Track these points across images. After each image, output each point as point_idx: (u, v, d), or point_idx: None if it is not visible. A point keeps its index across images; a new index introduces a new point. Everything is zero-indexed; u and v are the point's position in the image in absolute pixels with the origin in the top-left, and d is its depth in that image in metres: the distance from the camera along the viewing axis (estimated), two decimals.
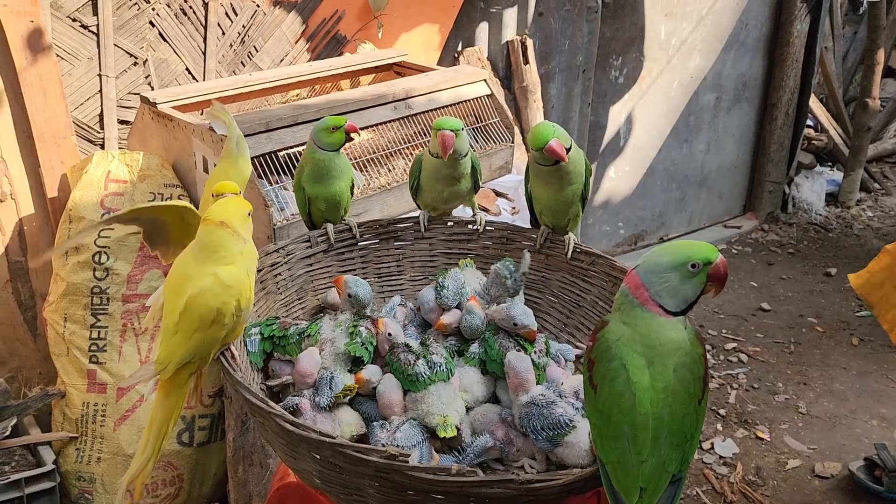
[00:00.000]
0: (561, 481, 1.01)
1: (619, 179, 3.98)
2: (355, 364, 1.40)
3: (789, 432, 2.90)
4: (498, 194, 2.60)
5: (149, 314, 1.27)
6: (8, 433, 1.99)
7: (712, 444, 2.83)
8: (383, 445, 1.20)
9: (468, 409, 1.40)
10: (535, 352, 1.43)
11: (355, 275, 1.69)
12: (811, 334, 3.55)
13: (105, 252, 2.10)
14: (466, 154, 1.65)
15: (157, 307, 1.24)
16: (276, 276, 1.57)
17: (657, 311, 1.04)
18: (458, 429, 1.30)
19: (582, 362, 1.12)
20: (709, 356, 3.36)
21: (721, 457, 2.77)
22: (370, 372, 1.38)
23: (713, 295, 1.07)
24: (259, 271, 1.52)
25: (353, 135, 1.59)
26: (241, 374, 1.17)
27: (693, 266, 1.03)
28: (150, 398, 2.09)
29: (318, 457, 1.07)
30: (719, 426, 2.94)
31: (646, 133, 3.99)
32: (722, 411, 3.01)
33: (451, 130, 1.57)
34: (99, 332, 2.10)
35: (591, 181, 1.65)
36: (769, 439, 2.86)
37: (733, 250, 4.37)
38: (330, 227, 1.65)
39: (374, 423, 1.33)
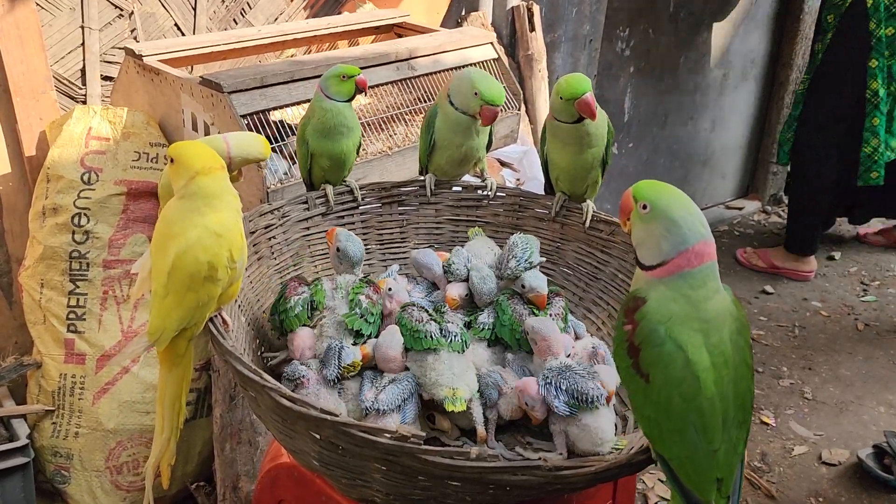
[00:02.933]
0: (593, 468, 0.90)
1: (622, 156, 3.86)
2: (357, 337, 1.28)
3: (795, 418, 2.81)
4: (503, 164, 2.48)
5: (136, 284, 1.14)
6: None
7: None
8: (373, 409, 1.09)
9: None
10: (550, 315, 1.33)
11: None
12: (815, 318, 3.46)
13: (85, 214, 1.96)
14: None
15: (144, 275, 1.12)
16: (269, 239, 1.44)
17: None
18: (467, 405, 1.18)
19: (615, 349, 0.99)
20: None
21: None
22: (371, 346, 1.27)
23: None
24: (252, 233, 1.40)
25: (362, 90, 1.47)
26: (231, 343, 1.05)
27: None
28: (135, 370, 1.96)
29: (317, 437, 0.95)
30: None
31: (650, 109, 3.87)
32: None
33: (499, 105, 1.50)
34: (78, 300, 1.97)
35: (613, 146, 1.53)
36: (774, 425, 2.77)
37: (735, 232, 4.27)
38: (329, 188, 1.52)
39: (365, 379, 1.22)
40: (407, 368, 1.23)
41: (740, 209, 4.45)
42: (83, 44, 2.31)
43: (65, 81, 2.30)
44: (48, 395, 1.98)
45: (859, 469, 2.53)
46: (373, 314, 1.28)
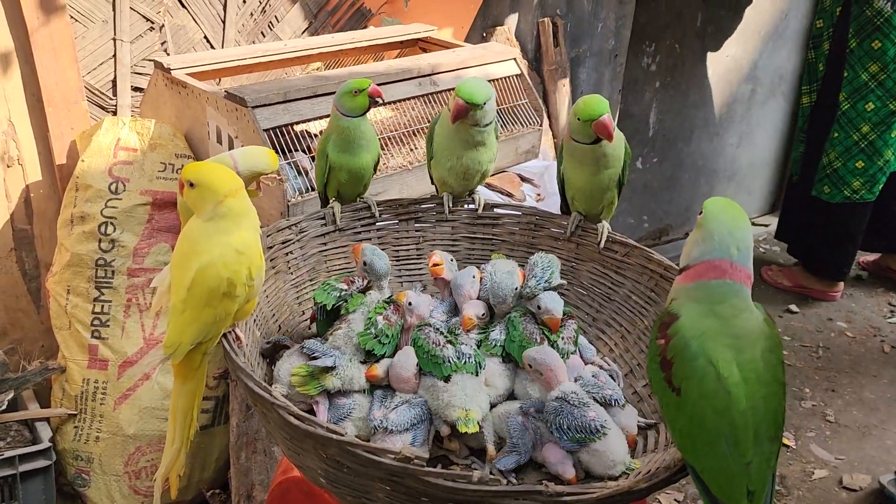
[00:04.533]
0: (595, 495, 0.90)
1: (646, 171, 3.85)
2: (368, 356, 1.30)
3: (816, 441, 2.77)
4: (524, 179, 2.48)
5: (156, 297, 1.17)
6: (5, 407, 1.91)
7: None
8: (381, 428, 1.11)
9: (491, 407, 1.30)
10: (562, 338, 1.33)
11: None
12: (840, 339, 3.41)
13: (111, 223, 2.01)
14: (490, 124, 1.53)
15: (163, 289, 1.15)
16: (286, 254, 1.47)
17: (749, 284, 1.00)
18: (480, 426, 1.19)
19: (648, 363, 1.02)
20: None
21: None
22: (383, 368, 1.28)
23: None
24: (269, 248, 1.42)
25: (377, 99, 1.49)
26: (243, 359, 1.07)
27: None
28: (155, 377, 2.00)
29: (324, 455, 0.97)
30: None
31: (676, 124, 3.85)
32: None
33: (468, 103, 1.46)
34: (102, 307, 2.01)
35: (629, 166, 1.53)
36: (794, 447, 2.74)
37: (761, 248, 4.22)
38: (337, 206, 1.54)
39: (376, 397, 1.23)
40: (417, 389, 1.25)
41: (766, 226, 4.40)
42: (115, 55, 2.36)
43: (96, 92, 2.36)
44: (71, 400, 2.02)
45: (881, 495, 2.49)
46: (388, 336, 1.28)
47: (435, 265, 1.45)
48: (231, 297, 1.07)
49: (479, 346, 1.37)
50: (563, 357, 1.31)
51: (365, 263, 1.38)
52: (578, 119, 1.43)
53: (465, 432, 1.15)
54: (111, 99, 2.39)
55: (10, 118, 2.19)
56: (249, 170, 1.38)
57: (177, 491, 1.20)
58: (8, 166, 2.22)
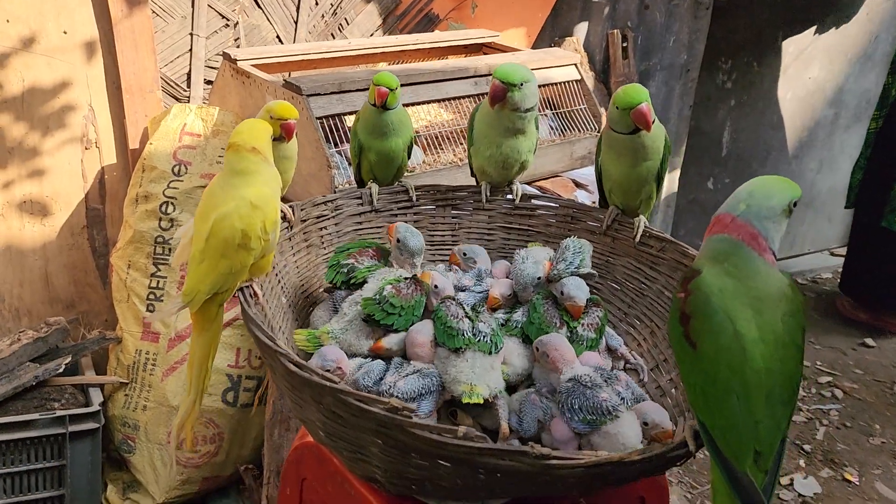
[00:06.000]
0: (583, 461, 0.88)
1: (717, 191, 3.74)
2: (372, 324, 1.30)
3: (882, 478, 2.61)
4: (577, 185, 2.46)
5: (178, 250, 1.23)
6: (61, 370, 2.01)
7: (792, 479, 2.58)
8: (388, 394, 1.11)
9: (509, 386, 1.29)
10: (582, 325, 1.31)
11: None
12: None
13: (172, 203, 2.11)
14: (531, 111, 1.53)
15: (186, 241, 1.20)
16: (321, 229, 1.50)
17: (772, 260, 0.97)
18: (486, 400, 1.18)
19: (670, 318, 1.03)
20: (799, 389, 3.09)
21: (801, 495, 2.52)
22: (392, 341, 1.29)
23: None
24: (303, 221, 1.46)
25: (378, 103, 1.51)
26: (254, 311, 1.10)
27: (794, 204, 0.99)
28: None
29: (321, 405, 0.98)
30: (802, 462, 2.68)
31: (751, 144, 3.74)
32: (807, 447, 2.75)
33: (504, 83, 1.46)
34: (158, 282, 2.10)
35: (669, 160, 1.50)
36: (857, 483, 2.58)
37: (838, 279, 4.02)
38: (374, 187, 1.57)
39: (392, 365, 1.24)
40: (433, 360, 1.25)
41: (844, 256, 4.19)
42: (191, 49, 2.49)
43: (172, 83, 2.49)
44: (124, 369, 2.12)
45: None
46: (394, 306, 1.28)
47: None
48: (246, 248, 1.10)
49: (503, 325, 1.36)
50: (580, 345, 1.29)
51: (398, 241, 1.40)
52: (617, 108, 1.41)
53: (468, 403, 1.15)
54: (185, 90, 2.51)
55: (91, 103, 2.33)
56: (267, 110, 1.38)
57: (192, 443, 1.24)
58: (86, 148, 2.36)
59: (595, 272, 1.44)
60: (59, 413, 1.91)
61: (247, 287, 1.17)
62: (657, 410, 1.19)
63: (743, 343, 0.92)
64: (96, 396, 2.03)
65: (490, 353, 1.25)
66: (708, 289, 0.96)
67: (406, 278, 1.34)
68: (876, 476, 2.62)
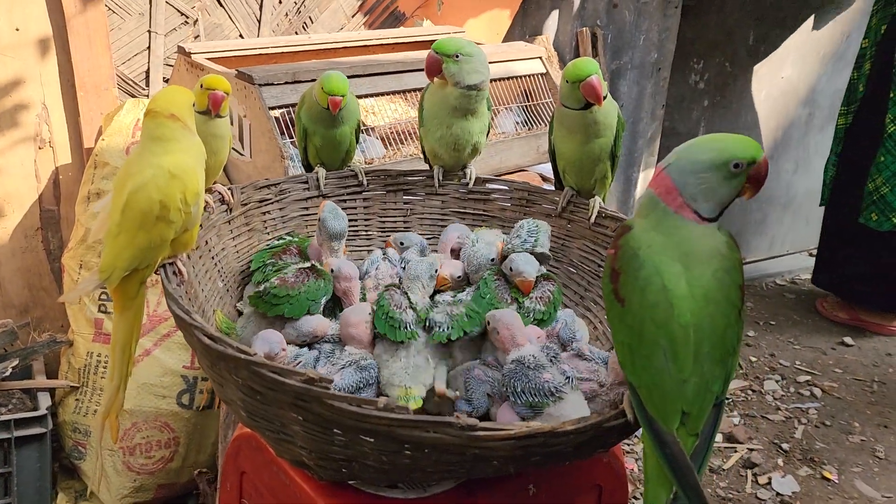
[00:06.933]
0: (512, 432, 0.82)
1: None
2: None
3: (862, 476, 2.55)
4: (544, 179, 2.42)
5: (95, 224, 1.16)
6: (7, 374, 1.94)
7: (769, 478, 2.52)
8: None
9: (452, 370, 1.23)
10: (532, 297, 1.25)
11: (356, 227, 1.55)
12: None
13: None
14: (477, 90, 1.48)
15: (104, 215, 1.14)
16: (263, 213, 1.45)
17: (693, 218, 0.92)
18: (423, 401, 1.12)
19: (603, 276, 0.99)
20: (778, 387, 3.05)
21: (779, 494, 2.46)
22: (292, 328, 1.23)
23: (747, 198, 0.95)
24: (244, 205, 1.40)
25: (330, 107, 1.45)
26: (174, 287, 1.04)
27: (736, 166, 0.91)
28: (156, 353, 2.00)
29: (238, 381, 0.92)
30: (780, 461, 2.62)
31: None
32: (785, 446, 2.69)
33: (437, 52, 1.41)
34: None
35: (623, 137, 1.45)
36: (837, 481, 2.52)
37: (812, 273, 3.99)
38: (322, 171, 1.51)
39: (322, 353, 1.17)
40: (372, 346, 1.19)
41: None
42: (149, 47, 2.45)
43: (130, 82, 2.44)
44: (76, 373, 2.04)
45: None
46: (277, 296, 1.21)
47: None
48: (165, 221, 1.04)
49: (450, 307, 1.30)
50: (527, 317, 1.23)
51: (320, 220, 1.33)
52: (567, 81, 1.37)
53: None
54: (144, 89, 2.46)
55: (45, 101, 2.28)
56: (199, 81, 1.32)
57: (116, 434, 1.17)
58: (39, 148, 2.30)
59: (550, 254, 1.39)
60: (4, 417, 1.83)
61: (170, 264, 1.11)
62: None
63: (670, 297, 0.88)
64: (45, 401, 1.95)
65: (445, 341, 1.18)
66: (636, 243, 0.93)
67: (302, 268, 1.27)
68: (856, 474, 2.56)
